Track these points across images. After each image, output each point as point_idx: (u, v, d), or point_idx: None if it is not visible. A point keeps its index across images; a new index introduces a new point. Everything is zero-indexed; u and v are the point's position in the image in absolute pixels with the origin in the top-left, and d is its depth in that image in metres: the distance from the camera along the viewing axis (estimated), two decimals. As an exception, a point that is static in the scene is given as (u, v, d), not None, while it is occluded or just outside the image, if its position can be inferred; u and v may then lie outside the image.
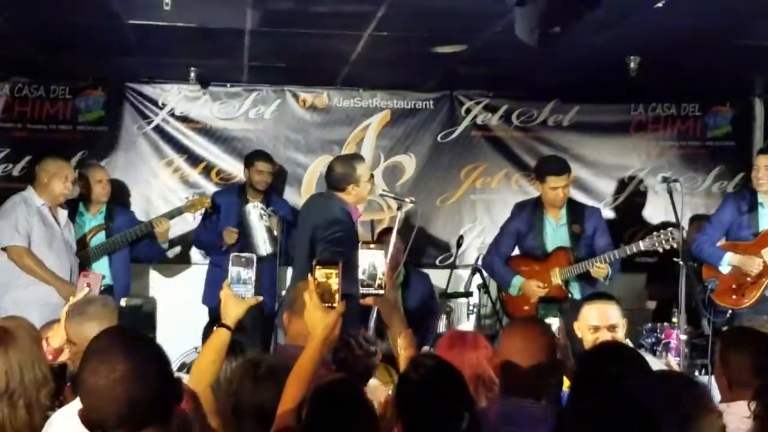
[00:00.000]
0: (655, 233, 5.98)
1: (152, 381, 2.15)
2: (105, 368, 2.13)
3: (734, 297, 6.08)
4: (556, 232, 6.34)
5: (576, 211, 6.41)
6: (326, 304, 2.73)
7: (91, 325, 3.22)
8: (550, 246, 6.31)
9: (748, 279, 6.05)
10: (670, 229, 5.91)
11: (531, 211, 6.44)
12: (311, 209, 5.75)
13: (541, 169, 6.44)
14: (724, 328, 5.79)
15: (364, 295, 2.90)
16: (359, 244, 2.98)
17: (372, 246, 2.93)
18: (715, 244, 6.12)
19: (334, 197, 5.59)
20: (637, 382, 2.42)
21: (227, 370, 3.19)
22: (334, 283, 2.74)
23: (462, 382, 2.56)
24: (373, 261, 2.90)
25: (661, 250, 5.93)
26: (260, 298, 3.17)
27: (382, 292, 2.90)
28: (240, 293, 3.05)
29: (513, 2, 4.00)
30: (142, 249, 6.75)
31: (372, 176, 5.79)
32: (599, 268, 6.02)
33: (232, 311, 3.07)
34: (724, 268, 6.10)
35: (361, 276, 2.90)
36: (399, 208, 5.80)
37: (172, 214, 6.79)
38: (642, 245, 6.03)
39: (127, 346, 2.21)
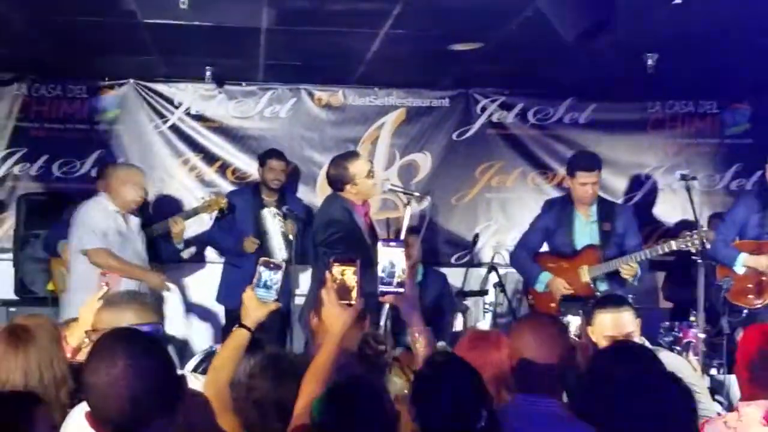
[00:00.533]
0: (687, 233, 5.87)
1: (153, 376, 2.15)
2: (105, 365, 2.14)
3: (750, 296, 6.03)
4: (585, 229, 6.24)
5: (607, 209, 6.30)
6: (343, 302, 2.72)
7: (124, 318, 3.19)
8: (579, 243, 6.20)
9: (764, 278, 6.01)
10: (703, 229, 5.81)
11: (560, 207, 6.35)
12: (317, 212, 5.80)
13: (571, 165, 6.34)
14: (740, 328, 5.75)
15: (384, 293, 2.88)
16: (379, 241, 2.95)
17: (392, 243, 2.91)
18: (729, 244, 6.04)
19: (338, 197, 5.63)
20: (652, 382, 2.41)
21: (246, 367, 3.19)
22: (352, 280, 2.73)
23: (479, 379, 2.54)
24: (392, 258, 2.88)
25: (694, 250, 5.81)
26: (280, 305, 3.17)
27: (402, 290, 2.88)
28: (263, 297, 3.06)
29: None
30: (158, 249, 6.73)
31: (371, 172, 5.74)
32: (629, 268, 5.94)
33: (254, 313, 3.07)
34: (739, 269, 6.06)
35: (380, 274, 2.88)
36: (408, 204, 5.79)
37: (188, 215, 6.77)
38: (674, 244, 5.90)
39: (127, 343, 2.22)
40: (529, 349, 2.96)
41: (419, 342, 3.01)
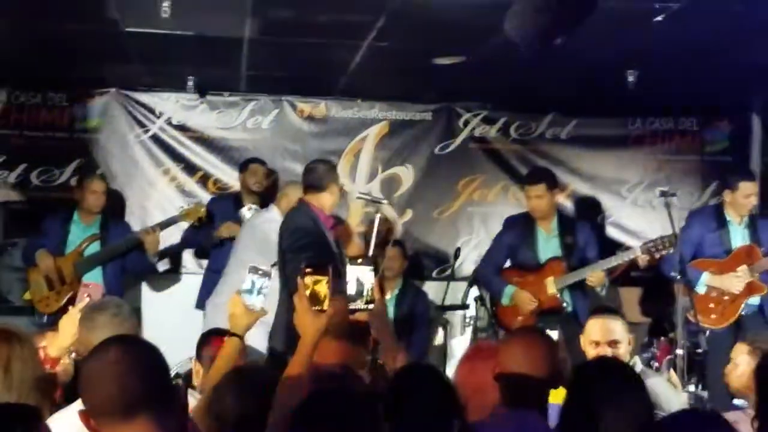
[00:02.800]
0: (650, 240, 5.97)
1: (144, 368, 2.18)
2: (99, 356, 2.19)
3: (714, 316, 6.08)
4: (548, 244, 6.34)
5: (567, 223, 6.45)
6: (316, 308, 2.71)
7: (98, 334, 3.17)
8: (543, 257, 6.30)
9: (726, 298, 6.07)
10: (666, 235, 5.88)
11: (523, 223, 6.47)
12: (283, 220, 5.72)
13: (521, 180, 6.51)
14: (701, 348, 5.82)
15: (353, 311, 2.88)
16: (347, 260, 2.95)
17: (359, 261, 2.91)
18: (687, 264, 6.08)
19: (303, 205, 5.50)
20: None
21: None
22: (324, 286, 2.72)
23: (451, 391, 2.53)
24: (360, 276, 2.88)
25: (657, 256, 5.90)
26: (267, 311, 3.15)
27: (371, 307, 2.88)
28: (250, 304, 3.04)
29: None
30: (131, 262, 6.68)
31: (341, 190, 5.80)
32: (597, 275, 6.00)
33: (242, 320, 3.06)
34: (701, 288, 6.11)
35: (349, 292, 2.88)
36: (377, 211, 5.78)
37: (167, 223, 6.77)
38: (639, 251, 6.03)
39: (123, 340, 2.29)
40: (517, 363, 2.95)
41: (390, 358, 2.99)
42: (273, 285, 5.66)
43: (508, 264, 6.50)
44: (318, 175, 5.52)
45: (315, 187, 5.48)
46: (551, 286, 6.15)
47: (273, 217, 6.08)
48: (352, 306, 2.88)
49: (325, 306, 2.70)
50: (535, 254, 6.31)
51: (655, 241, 5.93)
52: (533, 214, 6.31)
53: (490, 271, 6.47)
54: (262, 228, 6.10)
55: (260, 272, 3.04)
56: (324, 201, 5.47)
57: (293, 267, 4.93)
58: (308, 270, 2.74)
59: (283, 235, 5.45)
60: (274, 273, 3.16)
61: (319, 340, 2.70)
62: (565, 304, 6.16)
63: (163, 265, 7.33)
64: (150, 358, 2.23)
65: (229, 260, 6.26)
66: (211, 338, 4.20)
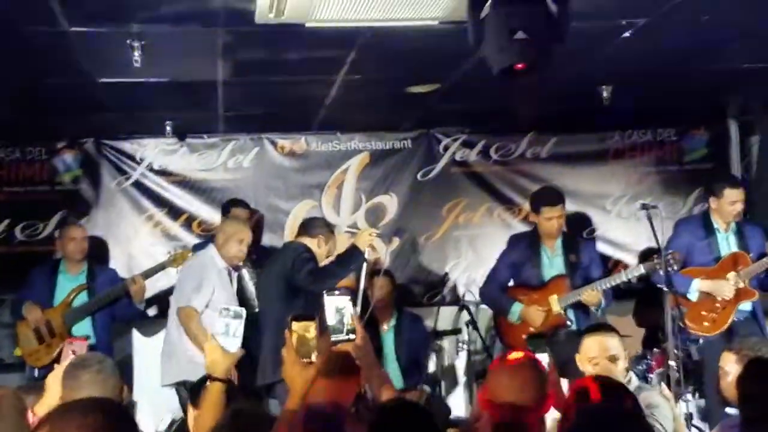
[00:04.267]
0: (655, 257, 5.96)
1: None
2: (70, 419, 2.07)
3: (706, 324, 6.10)
4: (552, 263, 6.35)
5: (571, 242, 6.46)
6: (304, 359, 2.71)
7: (83, 393, 3.15)
8: (547, 276, 6.31)
9: (717, 305, 6.08)
10: (668, 252, 5.86)
11: (527, 242, 6.47)
12: (280, 256, 5.81)
13: (535, 201, 6.50)
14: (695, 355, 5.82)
15: (335, 342, 2.88)
16: (325, 292, 2.95)
17: (337, 292, 2.91)
18: (678, 272, 6.10)
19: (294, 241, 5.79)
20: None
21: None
22: (312, 337, 2.72)
23: (432, 424, 2.53)
24: (339, 307, 2.88)
25: (662, 271, 5.88)
26: (244, 351, 3.14)
27: (353, 337, 2.88)
28: (226, 346, 3.03)
29: (474, 42, 4.00)
30: (120, 309, 6.67)
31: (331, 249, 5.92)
32: (593, 295, 6.01)
33: (222, 363, 3.05)
34: (693, 295, 6.12)
35: (331, 323, 2.88)
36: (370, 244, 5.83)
37: (155, 270, 6.75)
38: (643, 268, 6.04)
39: (96, 407, 2.17)
40: (503, 388, 2.95)
41: (377, 388, 2.98)
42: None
43: (511, 283, 6.50)
44: (313, 224, 5.94)
45: (306, 232, 5.85)
46: (555, 304, 6.15)
47: (207, 252, 6.20)
48: (333, 338, 2.88)
49: (313, 357, 2.71)
50: (540, 273, 6.33)
51: (659, 258, 5.86)
52: (548, 235, 6.31)
53: (495, 289, 6.47)
54: (193, 264, 6.17)
55: (232, 313, 3.03)
56: (312, 245, 5.74)
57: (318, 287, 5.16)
58: (294, 320, 2.75)
59: (286, 262, 5.60)
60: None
61: (308, 390, 2.70)
62: (569, 323, 6.16)
63: (152, 311, 7.29)
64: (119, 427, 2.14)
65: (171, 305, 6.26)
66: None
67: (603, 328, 4.56)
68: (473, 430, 3.14)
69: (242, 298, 6.54)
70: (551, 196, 6.41)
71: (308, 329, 2.73)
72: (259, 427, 2.80)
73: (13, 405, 3.09)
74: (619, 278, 6.11)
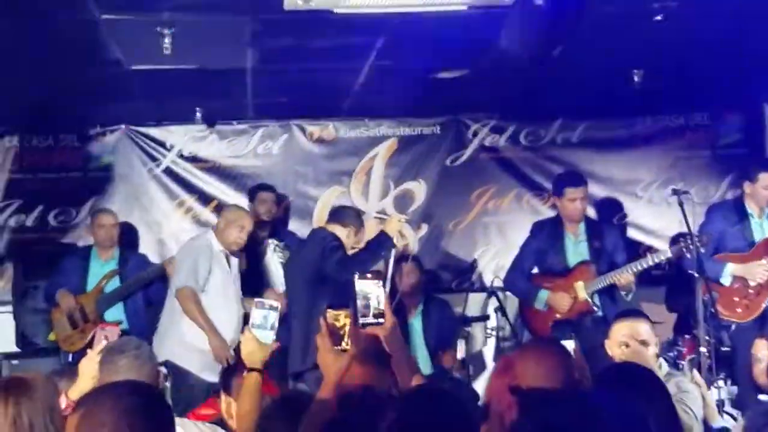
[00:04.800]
0: (681, 239, 5.92)
1: (144, 420, 2.13)
2: (102, 401, 2.15)
3: (739, 310, 6.03)
4: (576, 248, 6.31)
5: (595, 227, 6.42)
6: (338, 348, 2.73)
7: (118, 377, 3.18)
8: (572, 262, 6.27)
9: (750, 291, 6.01)
10: (696, 235, 5.83)
11: (550, 229, 6.43)
12: (309, 243, 5.85)
13: (558, 183, 6.46)
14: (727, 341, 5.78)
15: (364, 326, 2.89)
16: (355, 276, 2.96)
17: (368, 276, 2.91)
18: (711, 257, 6.04)
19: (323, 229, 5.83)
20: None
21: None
22: (345, 325, 2.74)
23: (463, 408, 2.53)
24: (368, 291, 2.88)
25: (689, 255, 5.84)
26: (279, 344, 3.17)
27: (381, 321, 2.88)
28: (262, 338, 3.05)
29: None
30: (155, 293, 6.73)
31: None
32: (626, 278, 5.97)
33: (257, 355, 3.07)
34: (725, 280, 6.05)
35: (359, 307, 2.88)
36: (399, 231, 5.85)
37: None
38: (670, 253, 5.99)
39: (131, 389, 2.23)
40: (531, 375, 2.94)
41: (406, 374, 2.98)
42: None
43: (535, 270, 6.48)
44: (344, 212, 5.98)
45: (336, 219, 5.90)
46: (582, 290, 6.11)
47: (203, 236, 6.24)
48: (362, 321, 2.88)
49: (347, 344, 2.72)
50: (564, 259, 6.29)
51: (686, 242, 5.84)
52: (570, 218, 6.26)
53: (520, 277, 6.45)
54: (187, 246, 6.21)
55: (268, 306, 3.05)
56: (341, 234, 5.77)
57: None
58: (329, 308, 2.77)
59: (316, 249, 5.65)
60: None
61: (341, 378, 2.72)
62: (595, 309, 6.13)
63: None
64: (153, 410, 2.20)
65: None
66: (240, 368, 4.21)
67: (634, 313, 4.53)
68: (498, 416, 3.13)
69: (267, 280, 6.59)
70: (574, 177, 6.40)
71: (342, 318, 2.74)
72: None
73: (45, 389, 3.13)
74: (646, 262, 6.06)
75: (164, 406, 2.29)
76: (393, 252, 5.83)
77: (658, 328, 6.80)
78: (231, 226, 6.10)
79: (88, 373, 3.54)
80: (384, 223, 5.84)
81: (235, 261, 6.21)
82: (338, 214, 5.96)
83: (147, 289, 6.73)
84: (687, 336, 6.28)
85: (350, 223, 5.82)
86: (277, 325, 3.06)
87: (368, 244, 5.77)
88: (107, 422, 2.09)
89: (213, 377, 5.71)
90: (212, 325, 5.92)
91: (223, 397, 4.02)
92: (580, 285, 6.12)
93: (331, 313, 2.77)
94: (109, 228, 6.71)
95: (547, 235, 6.40)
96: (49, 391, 3.15)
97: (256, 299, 3.13)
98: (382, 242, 5.68)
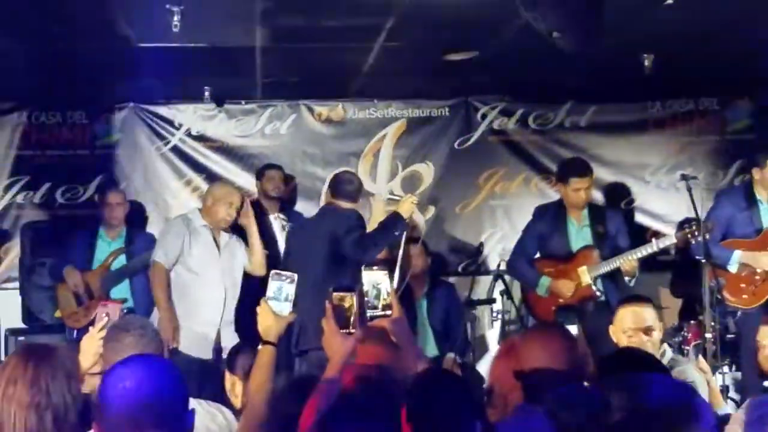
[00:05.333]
0: (686, 225, 5.91)
1: (158, 391, 2.25)
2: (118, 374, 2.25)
3: (745, 296, 6.01)
4: (579, 233, 6.30)
5: (598, 212, 6.40)
6: (343, 330, 2.73)
7: (123, 355, 3.19)
8: (575, 247, 6.26)
9: (757, 278, 5.99)
10: (702, 219, 5.81)
11: (553, 213, 6.41)
12: (327, 220, 5.80)
13: (563, 171, 6.44)
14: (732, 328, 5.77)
15: (371, 318, 2.88)
16: (363, 266, 2.95)
17: (375, 267, 2.91)
18: (717, 244, 6.02)
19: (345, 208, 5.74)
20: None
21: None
22: (351, 308, 2.74)
23: (470, 391, 2.53)
24: (375, 281, 2.87)
25: (694, 241, 5.83)
26: (296, 315, 3.16)
27: (389, 312, 2.88)
28: (278, 310, 3.05)
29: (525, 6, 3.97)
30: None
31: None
32: (630, 263, 5.95)
33: (274, 327, 3.06)
34: (733, 267, 6.03)
35: (366, 298, 2.88)
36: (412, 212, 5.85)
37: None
38: (674, 238, 5.97)
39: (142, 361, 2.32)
40: (536, 360, 2.94)
41: (413, 363, 2.99)
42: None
43: (538, 255, 6.48)
44: (355, 187, 5.88)
45: (350, 198, 5.82)
46: (585, 275, 6.10)
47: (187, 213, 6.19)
48: (369, 312, 2.88)
49: (353, 327, 2.72)
50: (567, 244, 6.26)
51: (690, 227, 5.83)
52: (574, 206, 6.24)
53: (522, 262, 6.42)
54: (168, 223, 6.25)
55: (284, 278, 3.04)
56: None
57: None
58: (335, 290, 2.77)
59: (344, 228, 5.61)
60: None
61: (346, 361, 2.72)
62: (598, 293, 6.12)
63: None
64: (167, 380, 2.25)
65: None
66: (246, 350, 4.20)
67: (638, 298, 4.50)
68: (495, 400, 3.14)
69: (273, 254, 6.57)
70: (580, 167, 6.33)
71: (348, 300, 2.74)
72: None
73: (66, 357, 3.14)
74: (651, 248, 6.03)
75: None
76: (404, 234, 5.82)
77: (664, 314, 6.87)
78: (219, 203, 5.97)
79: (89, 351, 3.54)
80: (398, 204, 5.82)
81: (225, 237, 6.06)
82: (345, 191, 5.88)
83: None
84: (692, 322, 6.29)
85: (358, 198, 5.80)
86: (293, 297, 3.05)
87: (382, 224, 5.76)
88: None
89: (201, 354, 5.71)
90: (168, 302, 5.81)
91: (227, 375, 4.03)
92: (583, 270, 6.10)
93: (336, 296, 2.77)
94: (118, 206, 6.70)
95: (550, 219, 6.38)
96: (71, 360, 3.16)
97: (273, 271, 3.12)
98: (396, 223, 5.67)
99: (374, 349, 3.15)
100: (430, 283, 6.89)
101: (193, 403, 3.27)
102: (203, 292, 5.87)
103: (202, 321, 5.84)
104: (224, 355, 5.54)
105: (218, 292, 5.91)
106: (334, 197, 5.90)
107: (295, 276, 3.05)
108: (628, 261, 5.95)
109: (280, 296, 3.05)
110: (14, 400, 2.91)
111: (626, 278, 6.06)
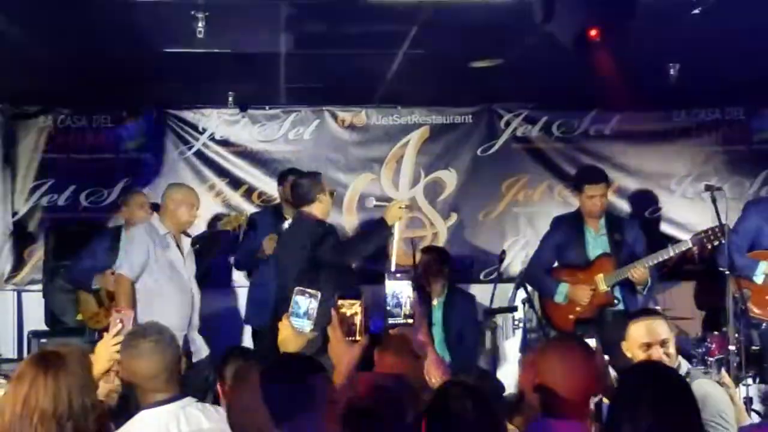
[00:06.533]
0: (701, 231, 5.87)
1: None
2: None
3: None
4: (596, 242, 6.26)
5: (615, 221, 6.38)
6: (349, 338, 2.72)
7: (142, 361, 3.21)
8: (592, 256, 6.23)
9: None
10: (715, 225, 5.77)
11: (571, 223, 6.39)
12: (296, 231, 5.80)
13: (578, 179, 6.45)
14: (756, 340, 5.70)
15: (393, 326, 2.88)
16: (386, 275, 2.94)
17: (398, 276, 2.90)
18: (744, 254, 5.96)
19: (309, 217, 5.69)
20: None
21: None
22: (357, 316, 2.73)
23: (489, 405, 2.52)
24: (398, 290, 2.87)
25: (710, 246, 5.80)
26: (317, 333, 3.13)
27: (411, 321, 2.87)
28: (299, 327, 3.04)
29: (540, 19, 3.95)
30: None
31: (332, 192, 5.87)
32: (641, 272, 5.92)
33: (293, 342, 3.05)
34: (759, 278, 5.95)
35: (387, 307, 2.87)
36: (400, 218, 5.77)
37: (206, 234, 6.83)
38: (690, 243, 5.93)
39: None
40: (554, 374, 2.92)
41: (432, 372, 2.98)
42: None
43: (555, 264, 6.45)
44: (304, 189, 5.73)
45: (306, 200, 5.70)
46: (602, 283, 6.08)
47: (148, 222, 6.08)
48: (391, 321, 2.88)
49: (359, 336, 2.72)
50: (584, 253, 6.23)
51: (707, 233, 5.82)
52: (590, 213, 6.21)
53: (540, 271, 6.41)
54: (130, 233, 6.09)
55: (307, 294, 3.03)
56: (315, 211, 5.66)
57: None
58: (341, 299, 2.77)
59: (314, 242, 5.54)
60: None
61: (352, 369, 2.72)
62: (616, 301, 6.09)
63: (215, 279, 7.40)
64: None
65: None
66: (232, 359, 4.21)
67: (649, 312, 4.43)
68: (525, 409, 3.13)
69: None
70: (593, 174, 6.31)
71: (354, 308, 2.74)
72: None
73: (80, 362, 3.15)
74: (666, 253, 5.98)
75: None
76: (420, 242, 5.79)
77: (688, 324, 6.83)
78: (181, 206, 5.92)
79: (104, 356, 3.55)
80: (384, 210, 5.72)
81: (186, 243, 6.04)
82: (299, 195, 5.78)
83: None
84: (716, 333, 6.22)
85: (316, 196, 5.68)
86: (315, 315, 3.03)
87: (364, 230, 5.72)
88: None
89: None
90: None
91: (219, 385, 4.06)
92: (600, 277, 6.08)
93: (345, 304, 2.77)
94: (148, 208, 6.71)
95: (567, 228, 6.36)
96: (84, 365, 3.18)
97: (297, 287, 3.10)
98: (378, 230, 5.61)
99: (393, 359, 3.15)
100: (447, 290, 6.87)
101: (210, 409, 3.29)
102: (170, 298, 5.82)
103: (169, 326, 5.80)
104: (193, 359, 5.68)
105: (186, 296, 5.89)
106: (295, 206, 5.91)
107: (318, 294, 3.04)
108: (639, 270, 5.91)
109: (301, 313, 3.04)
110: (36, 411, 2.92)
111: (639, 287, 6.03)
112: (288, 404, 2.44)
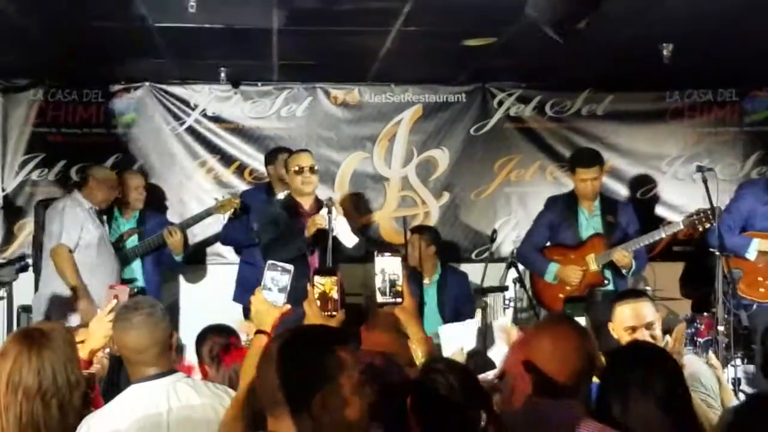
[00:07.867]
0: (693, 213, 5.89)
1: None
2: None
3: (762, 290, 5.97)
4: (589, 223, 6.31)
5: (609, 203, 6.43)
6: (326, 313, 2.72)
7: (133, 334, 3.21)
8: (585, 236, 6.27)
9: None
10: (706, 208, 5.79)
11: (564, 203, 6.43)
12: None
13: (571, 161, 6.52)
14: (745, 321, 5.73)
15: (382, 305, 2.86)
16: (375, 252, 2.92)
17: (387, 254, 2.89)
18: (736, 233, 5.98)
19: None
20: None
21: None
22: (333, 291, 2.72)
23: (474, 382, 2.53)
24: (387, 269, 2.85)
25: (701, 228, 5.84)
26: (289, 306, 3.13)
27: (400, 300, 2.86)
28: (272, 299, 3.03)
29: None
30: (165, 256, 6.76)
31: (301, 168, 5.87)
32: (624, 256, 5.95)
33: (267, 317, 3.04)
34: (751, 255, 5.96)
35: (378, 285, 2.86)
36: (330, 211, 5.73)
37: (201, 216, 6.82)
38: (681, 225, 5.96)
39: None
40: (545, 355, 2.91)
41: (418, 351, 2.98)
42: None
43: (548, 244, 6.47)
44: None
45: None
46: (592, 262, 6.12)
47: (71, 195, 6.38)
48: (380, 300, 2.86)
49: (335, 309, 2.71)
50: (577, 233, 6.29)
51: (698, 214, 5.85)
52: (583, 196, 6.25)
53: (532, 250, 6.45)
54: (57, 206, 6.29)
55: (279, 269, 3.02)
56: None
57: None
58: (317, 275, 2.76)
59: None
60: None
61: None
62: (606, 281, 6.13)
63: (208, 255, 7.50)
64: None
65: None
66: (209, 336, 4.22)
67: (634, 294, 4.41)
68: (509, 390, 3.13)
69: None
70: (586, 157, 6.34)
71: (330, 284, 2.73)
72: None
73: (64, 338, 3.16)
74: (658, 234, 6.04)
75: None
76: (411, 221, 5.78)
77: (678, 305, 6.86)
78: (102, 185, 6.32)
79: (99, 333, 3.57)
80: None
81: (102, 217, 6.41)
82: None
83: (160, 252, 6.73)
84: (705, 314, 6.25)
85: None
86: (288, 288, 3.03)
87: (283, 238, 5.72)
88: None
89: None
90: (83, 287, 5.99)
91: (198, 364, 4.07)
92: (591, 257, 6.13)
93: (321, 279, 2.76)
94: (142, 191, 6.76)
95: (561, 209, 6.40)
96: (68, 342, 3.19)
97: (269, 261, 3.09)
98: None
99: (380, 337, 3.15)
100: (441, 270, 6.87)
101: (201, 384, 3.30)
102: (105, 268, 6.12)
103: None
104: None
105: (111, 269, 6.18)
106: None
107: (291, 267, 3.02)
108: (620, 254, 5.94)
109: (273, 287, 3.02)
110: (20, 388, 2.93)
111: (623, 270, 6.07)
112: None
